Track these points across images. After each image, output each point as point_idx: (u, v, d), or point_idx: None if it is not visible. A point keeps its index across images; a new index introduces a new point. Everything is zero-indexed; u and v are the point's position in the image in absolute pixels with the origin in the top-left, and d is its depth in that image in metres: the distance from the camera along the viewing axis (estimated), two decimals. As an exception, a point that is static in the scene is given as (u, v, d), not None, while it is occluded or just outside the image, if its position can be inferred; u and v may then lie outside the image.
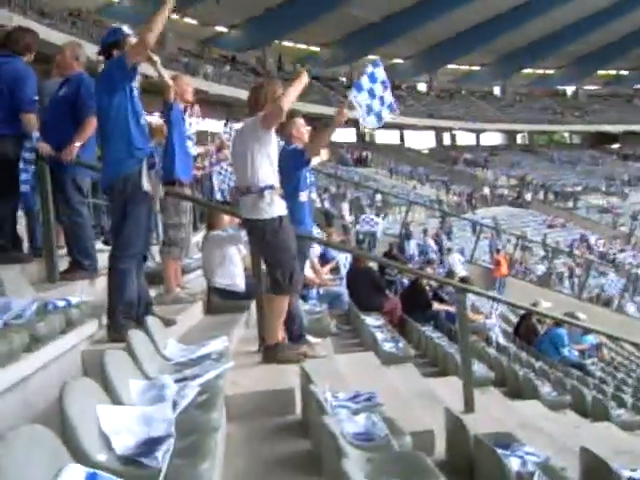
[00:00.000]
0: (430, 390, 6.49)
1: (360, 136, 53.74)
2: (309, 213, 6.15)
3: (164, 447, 2.55)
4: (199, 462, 2.52)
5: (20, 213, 5.94)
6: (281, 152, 5.43)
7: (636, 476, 4.01)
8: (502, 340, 12.59)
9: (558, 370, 11.23)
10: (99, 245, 6.50)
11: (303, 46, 54.24)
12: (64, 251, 5.84)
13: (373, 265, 11.51)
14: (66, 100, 5.66)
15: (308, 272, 8.19)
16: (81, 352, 4.30)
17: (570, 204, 47.20)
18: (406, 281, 12.47)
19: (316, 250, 9.50)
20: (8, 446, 1.97)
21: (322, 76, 50.33)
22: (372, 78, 6.11)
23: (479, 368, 8.20)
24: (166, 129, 6.34)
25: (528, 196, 46.60)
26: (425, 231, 20.78)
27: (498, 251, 21.44)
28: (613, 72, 65.53)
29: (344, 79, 54.18)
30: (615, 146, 63.06)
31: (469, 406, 5.74)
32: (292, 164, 5.68)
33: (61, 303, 4.23)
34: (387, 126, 53.78)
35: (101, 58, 4.88)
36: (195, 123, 7.22)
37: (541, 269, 25.35)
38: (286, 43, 52.53)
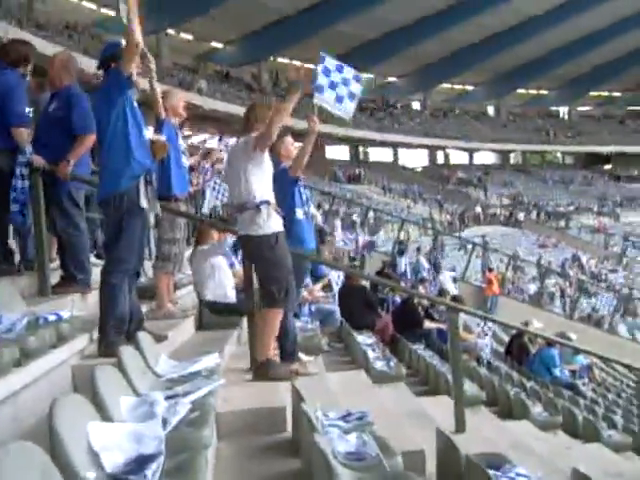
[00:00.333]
0: (421, 409, 6.46)
1: (354, 154, 53.89)
2: (309, 230, 6.14)
3: (154, 465, 2.53)
4: (189, 480, 2.51)
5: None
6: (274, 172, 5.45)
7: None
8: (491, 359, 12.58)
9: (549, 390, 11.22)
10: (92, 259, 6.48)
11: (298, 63, 54.43)
12: (56, 264, 5.81)
13: (366, 283, 11.51)
14: (56, 116, 5.58)
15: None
16: (71, 367, 4.26)
17: (562, 224, 47.41)
18: (398, 299, 12.47)
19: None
20: (-3, 463, 1.95)
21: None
22: (326, 72, 6.09)
23: (470, 387, 8.17)
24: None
25: (521, 215, 46.78)
26: (418, 249, 20.81)
27: (490, 270, 21.48)
28: (606, 93, 66.07)
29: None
30: (607, 167, 63.44)
31: (460, 426, 5.72)
32: (282, 183, 5.69)
33: (52, 317, 4.20)
34: (381, 144, 53.80)
35: (100, 72, 4.88)
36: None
37: (533, 288, 25.39)
38: (281, 59, 52.71)
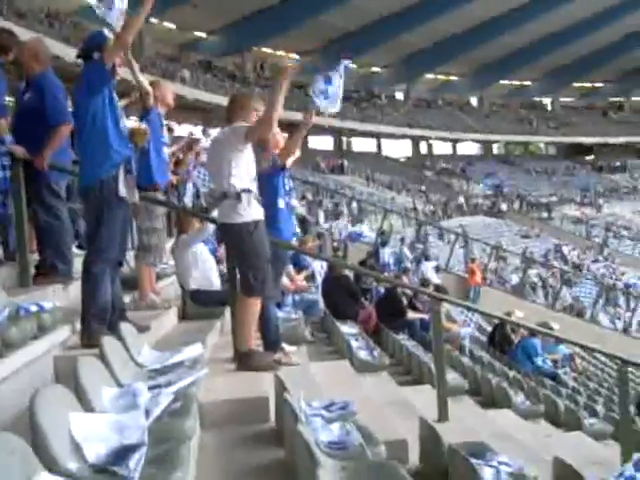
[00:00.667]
0: (404, 399, 6.49)
1: (337, 144, 53.80)
2: (289, 219, 6.14)
3: (136, 455, 2.52)
4: (172, 470, 2.50)
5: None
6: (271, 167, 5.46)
7: (607, 486, 4.04)
8: (474, 349, 12.65)
9: (531, 379, 11.30)
10: (74, 249, 6.43)
11: (282, 53, 54.23)
12: (37, 255, 5.76)
13: (349, 273, 11.52)
14: (32, 106, 5.45)
15: (283, 279, 8.18)
16: (53, 358, 4.24)
17: (545, 214, 47.62)
18: (382, 289, 12.49)
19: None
20: (-23, 454, 1.94)
21: (303, 83, 50.32)
22: (328, 81, 6.21)
23: (453, 377, 8.22)
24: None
25: (503, 206, 46.93)
26: (402, 239, 20.83)
27: (473, 260, 21.53)
28: (589, 84, 66.27)
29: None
30: (590, 158, 63.72)
31: (443, 415, 5.75)
32: (268, 171, 5.67)
33: (33, 308, 4.16)
34: (364, 134, 53.64)
35: (80, 61, 4.82)
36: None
37: (515, 279, 25.49)
38: (265, 49, 52.47)
